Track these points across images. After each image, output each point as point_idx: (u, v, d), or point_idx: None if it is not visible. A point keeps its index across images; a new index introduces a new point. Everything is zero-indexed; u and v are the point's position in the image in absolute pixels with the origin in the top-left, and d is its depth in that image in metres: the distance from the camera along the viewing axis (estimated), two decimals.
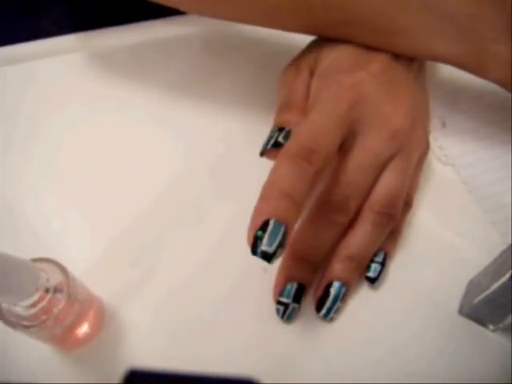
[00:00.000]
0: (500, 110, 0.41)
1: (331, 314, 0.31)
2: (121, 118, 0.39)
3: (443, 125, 0.40)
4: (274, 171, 0.28)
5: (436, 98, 0.38)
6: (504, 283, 0.27)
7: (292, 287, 0.30)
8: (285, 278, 0.31)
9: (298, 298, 0.31)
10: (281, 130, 0.32)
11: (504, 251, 0.29)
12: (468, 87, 0.42)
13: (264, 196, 0.27)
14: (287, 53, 0.37)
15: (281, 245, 0.25)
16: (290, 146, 0.29)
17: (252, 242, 0.25)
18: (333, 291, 0.31)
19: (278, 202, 0.26)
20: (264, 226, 0.25)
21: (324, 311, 0.31)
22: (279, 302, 0.31)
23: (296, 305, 0.30)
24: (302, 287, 0.31)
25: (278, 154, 0.29)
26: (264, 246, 0.25)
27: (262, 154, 0.33)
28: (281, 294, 0.31)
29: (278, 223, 0.25)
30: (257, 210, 0.26)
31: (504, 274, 0.27)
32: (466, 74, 0.42)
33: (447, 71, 0.42)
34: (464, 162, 0.38)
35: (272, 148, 0.32)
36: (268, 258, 0.25)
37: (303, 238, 0.31)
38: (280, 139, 0.32)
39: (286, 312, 0.30)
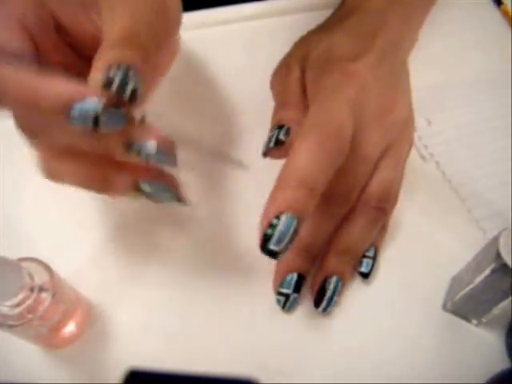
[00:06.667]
0: (485, 108, 0.41)
1: (329, 308, 0.31)
2: None
3: (428, 123, 0.40)
4: (294, 159, 0.27)
5: (421, 97, 0.38)
6: (485, 278, 0.28)
7: (292, 278, 0.31)
8: (285, 269, 0.31)
9: (298, 288, 0.31)
10: (280, 127, 0.32)
11: (485, 247, 0.29)
12: (453, 85, 0.42)
13: (281, 185, 0.26)
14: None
15: (291, 240, 0.25)
16: (313, 131, 0.27)
17: (262, 240, 0.25)
18: (330, 286, 0.31)
19: (295, 193, 0.25)
20: (277, 219, 0.25)
21: (323, 306, 0.31)
22: (280, 293, 0.31)
23: (296, 295, 0.31)
24: (301, 277, 0.31)
25: (282, 152, 0.28)
26: (272, 245, 0.25)
27: (266, 154, 0.32)
28: (281, 284, 0.31)
29: (291, 218, 0.25)
30: (272, 199, 0.26)
31: (485, 270, 0.27)
32: (451, 72, 0.43)
33: (433, 68, 0.42)
34: (448, 160, 0.38)
35: (275, 147, 0.31)
36: (275, 255, 0.25)
37: (304, 229, 0.30)
38: (281, 136, 0.31)
39: (287, 303, 0.31)
